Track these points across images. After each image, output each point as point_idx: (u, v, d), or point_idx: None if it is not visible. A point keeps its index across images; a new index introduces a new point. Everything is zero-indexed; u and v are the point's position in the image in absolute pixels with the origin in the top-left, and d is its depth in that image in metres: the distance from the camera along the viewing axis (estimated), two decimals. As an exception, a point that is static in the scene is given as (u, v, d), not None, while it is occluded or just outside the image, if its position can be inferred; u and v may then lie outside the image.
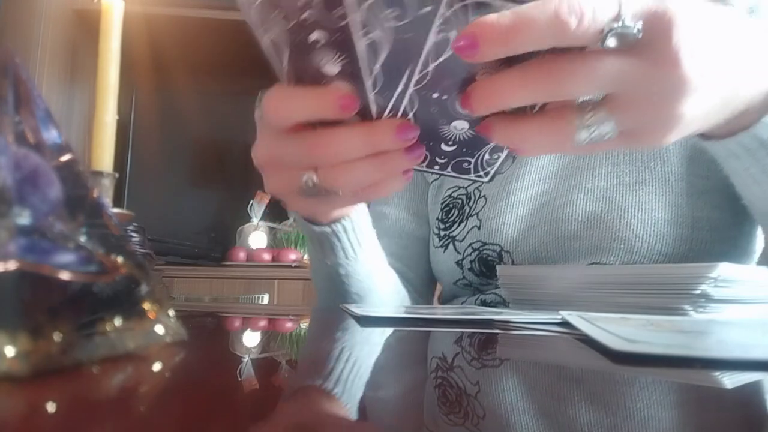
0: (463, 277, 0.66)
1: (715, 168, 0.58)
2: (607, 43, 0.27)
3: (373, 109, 0.32)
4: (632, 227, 0.56)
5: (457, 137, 0.34)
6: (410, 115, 0.32)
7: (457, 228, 0.67)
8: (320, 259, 0.57)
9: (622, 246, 0.56)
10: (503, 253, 0.62)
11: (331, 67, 0.30)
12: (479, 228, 0.64)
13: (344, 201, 0.41)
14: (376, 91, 0.30)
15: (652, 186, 0.57)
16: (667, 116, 0.30)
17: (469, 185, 0.68)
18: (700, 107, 0.30)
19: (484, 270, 0.64)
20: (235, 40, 1.65)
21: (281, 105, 0.33)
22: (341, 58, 0.29)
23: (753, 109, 0.36)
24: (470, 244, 0.64)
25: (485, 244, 0.63)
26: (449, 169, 0.37)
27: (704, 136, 0.42)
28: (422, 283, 0.75)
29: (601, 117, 0.30)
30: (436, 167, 0.37)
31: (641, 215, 0.57)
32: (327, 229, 0.53)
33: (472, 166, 0.37)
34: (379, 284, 0.61)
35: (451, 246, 0.67)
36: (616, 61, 0.28)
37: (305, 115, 0.33)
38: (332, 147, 0.34)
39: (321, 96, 0.31)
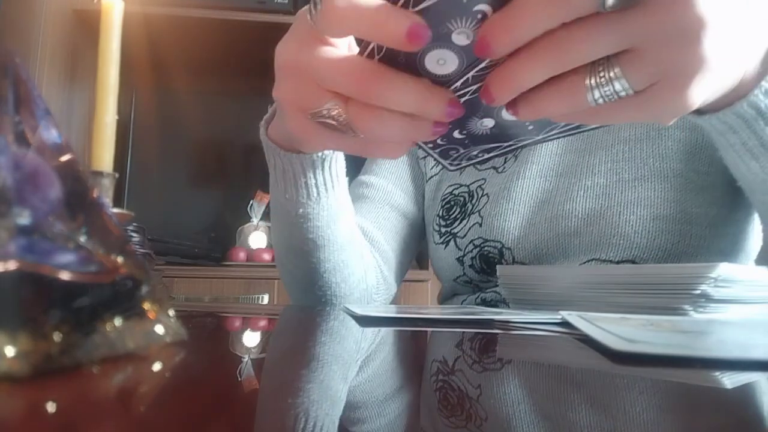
0: (464, 274, 0.66)
1: (715, 163, 0.59)
2: (608, 4, 0.26)
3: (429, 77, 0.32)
4: (631, 223, 0.56)
5: (472, 130, 0.36)
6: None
7: (458, 225, 0.67)
8: (279, 194, 0.52)
9: (621, 242, 0.56)
10: (504, 250, 0.62)
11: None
12: (481, 225, 0.64)
13: (352, 145, 0.37)
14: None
15: (651, 182, 0.57)
16: (687, 62, 0.29)
17: (471, 183, 0.68)
18: (720, 46, 0.29)
19: (484, 267, 0.64)
20: (235, 40, 1.66)
21: (351, 11, 0.29)
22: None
23: (749, 77, 0.36)
24: (471, 241, 0.64)
25: (486, 240, 0.63)
26: (437, 152, 0.39)
27: (700, 111, 0.41)
28: (395, 258, 0.72)
29: (612, 74, 0.29)
30: (429, 145, 0.38)
31: (640, 211, 0.57)
32: (293, 157, 0.48)
33: (457, 154, 0.39)
34: (340, 238, 0.56)
35: (452, 242, 0.67)
36: (621, 19, 0.27)
37: (370, 32, 0.30)
38: (383, 88, 0.31)
39: (395, 17, 0.28)
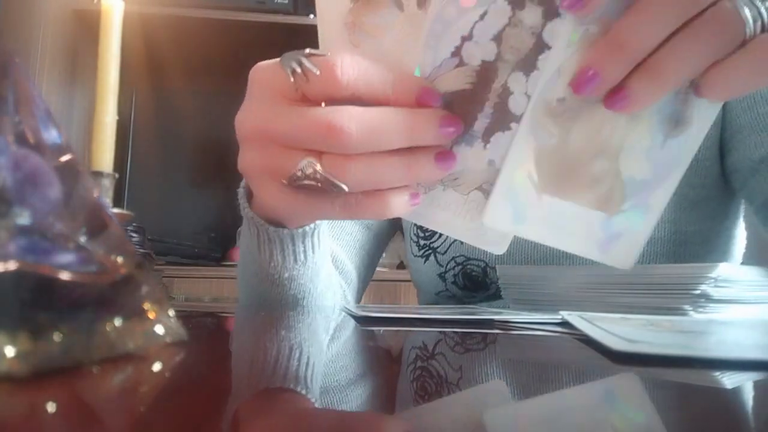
0: (446, 290, 0.65)
1: (710, 175, 0.58)
2: None
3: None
4: None
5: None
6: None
7: (438, 239, 0.64)
8: (262, 259, 0.48)
9: (610, 268, 0.55)
10: (488, 269, 0.61)
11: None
12: (462, 242, 0.63)
13: (343, 208, 0.32)
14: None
15: None
16: None
17: None
18: None
19: (468, 284, 0.63)
20: (235, 40, 1.66)
21: (358, 73, 0.28)
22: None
23: None
24: (453, 258, 0.63)
25: (469, 259, 0.62)
26: None
27: None
28: (357, 278, 0.68)
29: None
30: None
31: None
32: (284, 232, 0.44)
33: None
34: (320, 286, 0.54)
35: (432, 257, 0.65)
36: None
37: (381, 98, 0.28)
38: (354, 128, 0.28)
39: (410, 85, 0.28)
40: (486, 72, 0.30)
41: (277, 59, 0.31)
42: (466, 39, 0.29)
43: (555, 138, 0.30)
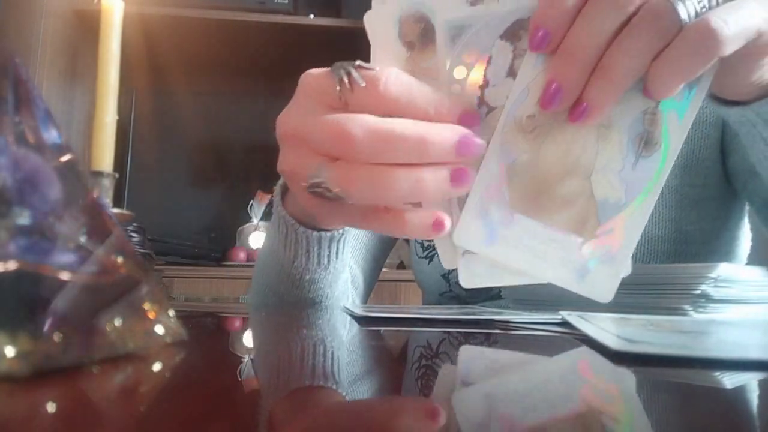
0: (450, 290, 0.65)
1: (710, 175, 0.58)
2: None
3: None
4: None
5: None
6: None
7: None
8: (286, 259, 0.49)
9: None
10: None
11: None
12: None
13: (347, 215, 0.32)
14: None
15: None
16: None
17: None
18: None
19: None
20: (235, 40, 1.66)
21: (405, 92, 0.28)
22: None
23: None
24: None
25: None
26: None
27: (725, 101, 0.39)
28: (364, 282, 0.70)
29: None
30: None
31: None
32: (313, 234, 0.46)
33: None
34: (337, 291, 0.55)
35: (436, 258, 0.65)
36: None
37: (420, 115, 0.28)
38: (361, 134, 0.27)
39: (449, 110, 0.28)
40: None
41: (329, 67, 0.31)
42: (484, 87, 0.30)
43: (526, 155, 0.30)
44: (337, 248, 0.48)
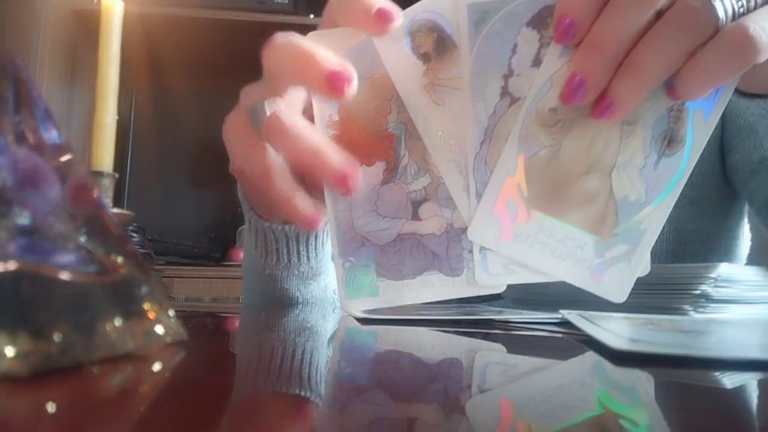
0: None
1: (708, 174, 0.58)
2: None
3: None
4: None
5: None
6: None
7: None
8: (250, 246, 0.50)
9: None
10: None
11: None
12: None
13: (266, 198, 0.34)
14: None
15: None
16: None
17: None
18: None
19: None
20: (236, 40, 1.65)
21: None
22: None
23: None
24: None
25: None
26: None
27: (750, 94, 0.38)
28: None
29: None
30: None
31: None
32: (264, 224, 0.46)
33: None
34: (310, 299, 0.54)
35: None
36: None
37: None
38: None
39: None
40: None
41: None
42: (508, 77, 0.29)
43: (546, 149, 0.29)
44: (298, 249, 0.47)
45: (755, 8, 0.27)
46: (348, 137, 0.31)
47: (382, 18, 0.29)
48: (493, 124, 0.30)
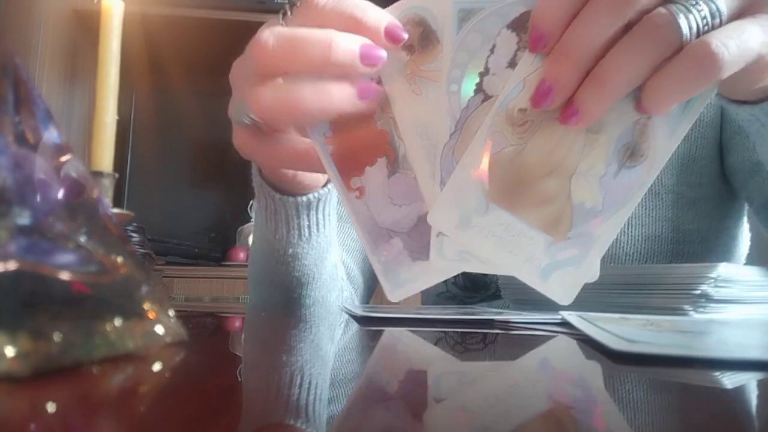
0: (447, 290, 0.65)
1: (707, 174, 0.58)
2: None
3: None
4: (622, 244, 0.56)
5: None
6: None
7: None
8: (268, 232, 0.49)
9: (611, 263, 0.55)
10: None
11: None
12: None
13: (278, 154, 0.35)
14: None
15: (642, 200, 0.57)
16: None
17: None
18: None
19: (468, 284, 0.63)
20: (235, 40, 1.65)
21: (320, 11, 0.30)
22: None
23: None
24: None
25: None
26: None
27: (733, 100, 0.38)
28: (364, 284, 0.69)
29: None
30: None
31: (631, 231, 0.56)
32: (288, 200, 0.46)
33: None
34: (325, 275, 0.55)
35: None
36: None
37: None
38: (272, 41, 0.29)
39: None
40: None
41: None
42: (484, 74, 0.30)
43: (512, 147, 0.30)
44: (317, 219, 0.48)
45: (720, 26, 0.28)
46: (346, 147, 0.32)
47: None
48: (465, 117, 0.31)
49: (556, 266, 0.31)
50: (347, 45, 0.29)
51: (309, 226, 0.48)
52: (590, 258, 0.31)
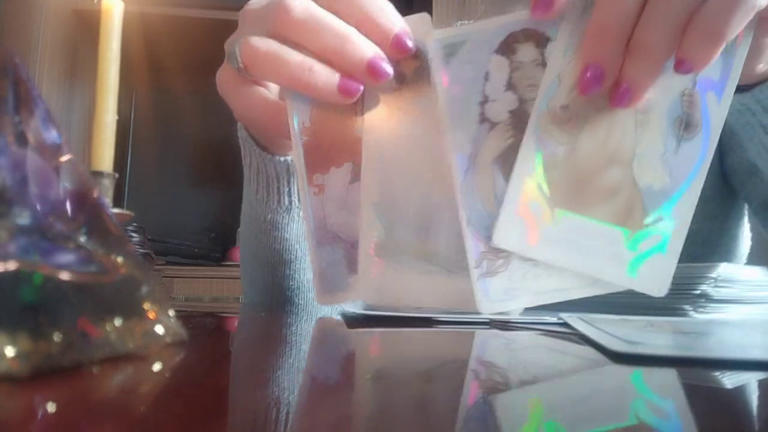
0: None
1: (707, 176, 0.58)
2: None
3: None
4: None
5: None
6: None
7: None
8: (251, 193, 0.50)
9: None
10: None
11: None
12: None
13: (258, 99, 0.36)
14: None
15: None
16: None
17: None
18: None
19: None
20: (235, 40, 1.65)
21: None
22: None
23: None
24: None
25: None
26: None
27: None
28: None
29: None
30: None
31: None
32: (269, 157, 0.46)
33: None
34: (308, 259, 0.53)
35: None
36: None
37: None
38: (299, 7, 0.31)
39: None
40: (519, 118, 0.30)
41: None
42: (484, 103, 0.30)
43: (563, 146, 0.29)
44: (298, 189, 0.48)
45: None
46: (320, 141, 0.33)
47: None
48: (475, 151, 0.31)
49: (643, 258, 0.29)
50: (362, 47, 0.30)
51: (289, 194, 0.48)
52: (674, 240, 0.29)
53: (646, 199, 0.29)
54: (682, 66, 0.28)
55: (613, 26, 0.27)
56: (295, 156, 0.32)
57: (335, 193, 0.32)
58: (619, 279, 0.29)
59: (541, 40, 0.30)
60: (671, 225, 0.29)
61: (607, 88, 0.28)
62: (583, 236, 0.29)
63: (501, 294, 0.30)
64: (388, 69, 0.30)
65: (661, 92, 0.29)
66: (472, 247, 0.30)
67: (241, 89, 0.36)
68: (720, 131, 0.29)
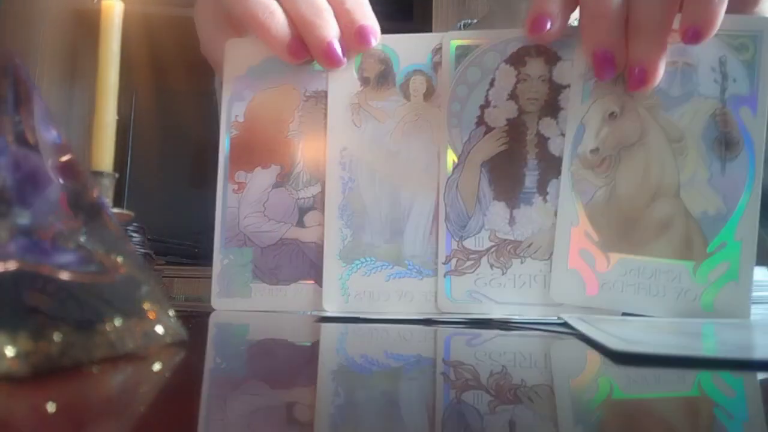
0: None
1: None
2: None
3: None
4: None
5: None
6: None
7: None
8: None
9: None
10: None
11: None
12: None
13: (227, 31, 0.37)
14: None
15: None
16: None
17: None
18: None
19: None
20: (235, 40, 1.65)
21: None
22: None
23: None
24: None
25: None
26: None
27: None
28: None
29: None
30: None
31: None
32: None
33: None
34: None
35: None
36: None
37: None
38: None
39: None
40: (515, 128, 0.31)
41: None
42: (484, 107, 0.31)
43: (602, 189, 0.29)
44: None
45: None
46: (249, 138, 0.33)
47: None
48: (467, 150, 0.31)
49: (716, 288, 0.28)
50: (324, 29, 0.31)
51: None
52: (744, 264, 0.28)
53: (704, 227, 0.28)
54: (688, 34, 0.27)
55: (604, 8, 0.27)
56: (220, 149, 0.33)
57: (255, 195, 0.33)
58: (695, 313, 0.28)
59: (551, 58, 0.30)
60: (737, 249, 0.28)
61: (620, 69, 0.28)
62: (643, 277, 0.28)
63: (463, 294, 0.30)
64: (342, 59, 0.31)
65: (690, 118, 0.29)
66: (445, 243, 0.31)
67: (209, 18, 0.38)
68: (764, 142, 0.28)
